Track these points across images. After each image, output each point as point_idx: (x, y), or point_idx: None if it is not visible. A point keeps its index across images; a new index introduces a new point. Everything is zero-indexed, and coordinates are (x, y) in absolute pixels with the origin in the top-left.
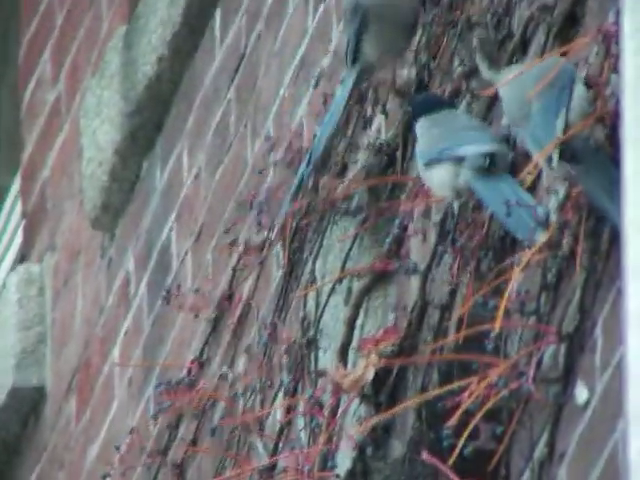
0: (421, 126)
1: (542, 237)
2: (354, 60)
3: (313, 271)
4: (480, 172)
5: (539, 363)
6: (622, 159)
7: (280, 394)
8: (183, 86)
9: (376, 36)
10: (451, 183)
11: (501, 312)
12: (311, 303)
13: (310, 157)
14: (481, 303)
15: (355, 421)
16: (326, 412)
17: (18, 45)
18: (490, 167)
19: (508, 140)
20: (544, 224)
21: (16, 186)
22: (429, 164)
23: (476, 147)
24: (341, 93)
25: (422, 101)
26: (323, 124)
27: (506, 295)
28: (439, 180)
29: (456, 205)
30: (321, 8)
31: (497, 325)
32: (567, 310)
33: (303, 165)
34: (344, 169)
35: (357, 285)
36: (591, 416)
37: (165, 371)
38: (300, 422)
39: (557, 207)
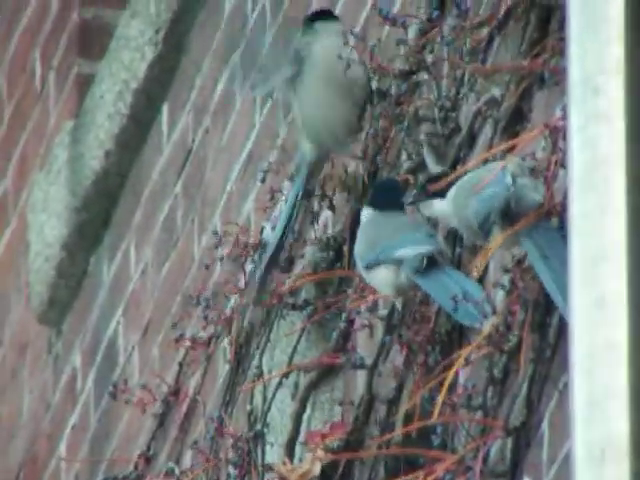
0: (364, 221)
1: (487, 327)
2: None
3: (260, 365)
4: (421, 270)
5: (486, 457)
6: (569, 253)
7: None
8: (130, 181)
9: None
10: (393, 283)
11: (438, 406)
12: (258, 397)
13: (264, 259)
14: (428, 398)
15: None
16: None
17: None
18: (430, 265)
19: (456, 234)
20: (490, 316)
21: None
22: (369, 266)
23: (412, 249)
24: (292, 192)
25: (383, 194)
26: (276, 225)
27: (444, 390)
28: (381, 281)
29: (398, 303)
30: (268, 104)
31: (434, 418)
32: (514, 404)
33: (259, 268)
34: (291, 263)
35: (304, 379)
36: None
37: (112, 466)
38: None
39: (504, 300)
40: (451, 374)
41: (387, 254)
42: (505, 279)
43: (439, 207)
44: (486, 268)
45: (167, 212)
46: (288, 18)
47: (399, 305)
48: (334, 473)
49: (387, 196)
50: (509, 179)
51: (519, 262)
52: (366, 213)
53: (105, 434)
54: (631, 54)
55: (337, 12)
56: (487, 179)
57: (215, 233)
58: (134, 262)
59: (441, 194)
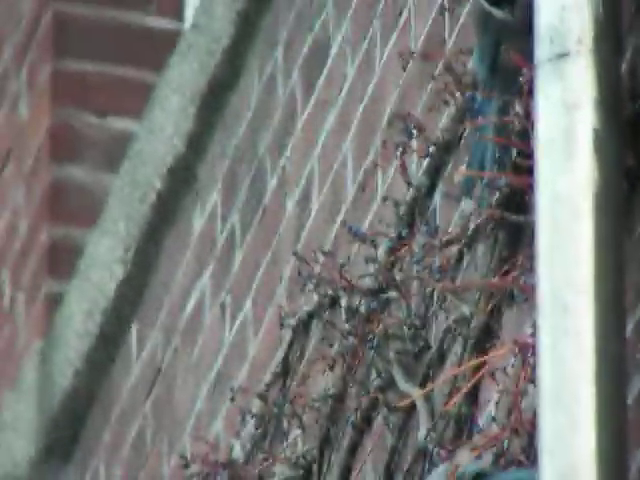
0: None
1: None
2: None
3: None
4: None
5: None
6: (539, 471)
7: None
8: (99, 399)
9: None
10: None
11: None
12: None
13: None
14: None
15: None
16: None
17: None
18: None
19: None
20: None
21: None
22: None
23: None
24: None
25: None
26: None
27: None
28: None
29: None
30: (238, 320)
31: None
32: None
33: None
34: None
35: None
36: None
37: None
38: None
39: None
40: None
41: None
42: None
43: None
44: None
45: (136, 431)
46: (257, 239)
47: None
48: None
49: None
50: None
51: None
52: None
53: None
54: (600, 272)
55: (307, 231)
56: None
57: (183, 456)
58: None
59: None
